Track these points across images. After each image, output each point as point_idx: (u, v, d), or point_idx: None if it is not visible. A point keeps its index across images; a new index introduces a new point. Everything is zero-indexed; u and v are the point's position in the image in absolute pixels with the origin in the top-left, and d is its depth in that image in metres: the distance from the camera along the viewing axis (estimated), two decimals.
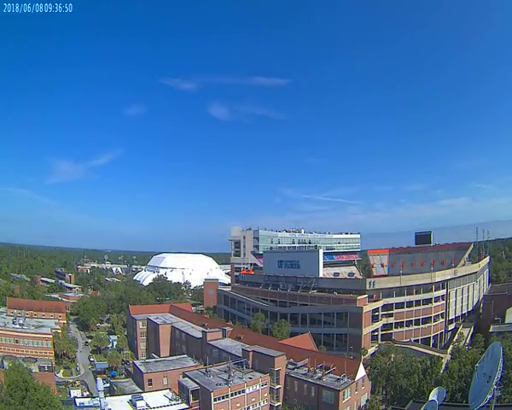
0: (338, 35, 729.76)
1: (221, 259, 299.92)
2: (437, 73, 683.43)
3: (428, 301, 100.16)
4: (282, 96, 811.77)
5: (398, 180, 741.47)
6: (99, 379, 60.34)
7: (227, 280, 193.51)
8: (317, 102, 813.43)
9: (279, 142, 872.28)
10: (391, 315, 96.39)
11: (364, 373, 61.60)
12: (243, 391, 57.37)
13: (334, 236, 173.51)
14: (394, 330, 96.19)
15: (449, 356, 79.47)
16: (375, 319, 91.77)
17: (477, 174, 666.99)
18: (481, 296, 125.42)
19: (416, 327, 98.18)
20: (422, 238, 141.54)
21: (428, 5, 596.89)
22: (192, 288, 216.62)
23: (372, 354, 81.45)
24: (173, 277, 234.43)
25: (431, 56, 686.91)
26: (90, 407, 56.18)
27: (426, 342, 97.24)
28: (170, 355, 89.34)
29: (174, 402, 57.34)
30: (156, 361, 78.47)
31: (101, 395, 53.75)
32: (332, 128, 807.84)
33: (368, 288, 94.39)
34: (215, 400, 53.94)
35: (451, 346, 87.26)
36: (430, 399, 44.33)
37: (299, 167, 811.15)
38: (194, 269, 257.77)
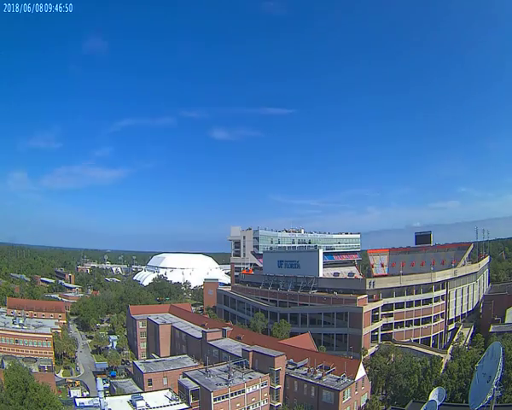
0: (331, 45, 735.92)
1: (221, 259, 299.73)
2: (422, 85, 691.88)
3: (428, 301, 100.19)
4: (278, 121, 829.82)
5: (387, 184, 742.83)
6: (99, 379, 60.31)
7: (227, 280, 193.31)
8: (307, 115, 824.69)
9: (271, 156, 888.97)
10: (391, 315, 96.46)
11: (364, 373, 61.60)
12: (243, 391, 57.36)
13: (334, 236, 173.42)
14: (394, 330, 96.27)
15: (449, 356, 79.53)
16: (375, 319, 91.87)
17: (462, 179, 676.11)
18: (481, 296, 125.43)
19: (416, 327, 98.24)
20: (422, 238, 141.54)
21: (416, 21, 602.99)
22: (192, 288, 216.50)
23: (372, 354, 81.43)
24: (173, 277, 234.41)
25: (419, 66, 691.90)
26: (90, 406, 56.03)
27: (426, 342, 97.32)
28: (170, 355, 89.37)
29: (174, 402, 57.34)
30: (156, 361, 78.46)
31: (101, 395, 53.77)
32: (321, 136, 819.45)
33: (368, 288, 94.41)
34: (215, 400, 53.93)
35: (451, 346, 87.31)
36: (430, 399, 44.24)
37: (290, 176, 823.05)
38: (194, 269, 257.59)
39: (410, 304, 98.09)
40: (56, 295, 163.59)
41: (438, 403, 42.05)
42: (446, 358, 78.02)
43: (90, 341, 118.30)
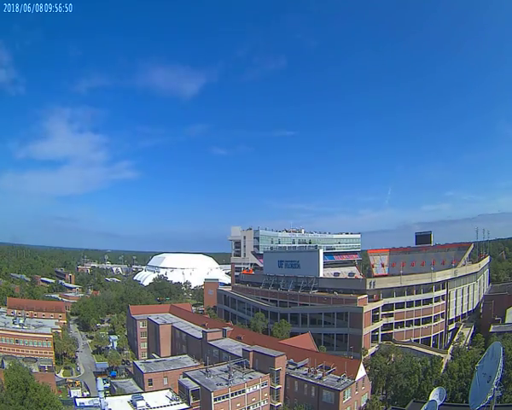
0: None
1: (221, 259, 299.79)
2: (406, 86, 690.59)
3: (429, 301, 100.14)
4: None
5: (382, 186, 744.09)
6: (99, 379, 60.34)
7: (227, 280, 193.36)
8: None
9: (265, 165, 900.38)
10: (391, 315, 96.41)
11: (365, 373, 61.58)
12: (243, 391, 57.33)
13: (335, 236, 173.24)
14: (394, 330, 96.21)
15: (449, 356, 79.50)
16: (375, 318, 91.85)
17: (456, 182, 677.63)
18: (481, 296, 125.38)
19: (417, 327, 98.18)
20: (422, 238, 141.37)
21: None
22: (192, 288, 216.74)
23: (372, 354, 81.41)
24: (173, 277, 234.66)
25: (414, 63, 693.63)
26: (91, 406, 56.01)
27: (426, 342, 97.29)
28: (170, 355, 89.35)
29: (174, 402, 57.27)
30: (156, 361, 78.44)
31: (102, 395, 53.76)
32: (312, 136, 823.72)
33: (368, 288, 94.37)
34: (215, 400, 53.92)
35: (452, 346, 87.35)
36: (430, 399, 44.17)
37: (287, 180, 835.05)
38: (194, 269, 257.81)
39: (410, 304, 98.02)
40: (56, 295, 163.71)
41: (438, 403, 41.99)
42: (447, 358, 78.01)
43: (90, 341, 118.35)
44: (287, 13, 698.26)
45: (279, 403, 60.68)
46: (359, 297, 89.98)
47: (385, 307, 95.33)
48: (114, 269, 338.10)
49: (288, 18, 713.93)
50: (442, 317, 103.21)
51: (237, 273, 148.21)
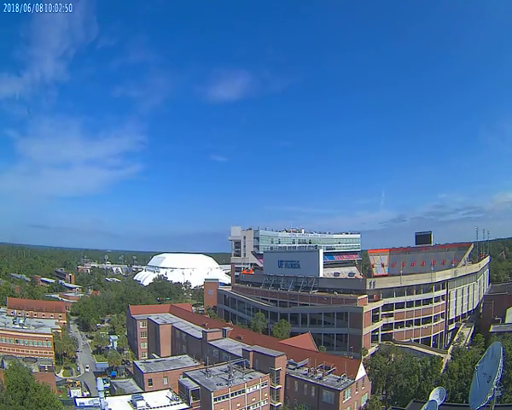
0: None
1: (221, 259, 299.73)
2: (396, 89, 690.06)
3: (429, 301, 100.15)
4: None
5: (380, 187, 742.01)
6: (99, 379, 60.32)
7: (227, 280, 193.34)
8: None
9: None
10: (391, 315, 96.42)
11: (365, 373, 61.60)
12: (243, 391, 57.34)
13: (335, 236, 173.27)
14: (394, 330, 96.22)
15: (449, 356, 79.54)
16: (375, 318, 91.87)
17: (444, 185, 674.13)
18: (481, 296, 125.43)
19: (417, 327, 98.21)
20: (422, 238, 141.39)
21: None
22: (192, 288, 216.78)
23: (372, 354, 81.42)
24: (173, 277, 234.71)
25: (410, 61, 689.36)
26: (91, 406, 56.05)
27: (426, 342, 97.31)
28: (170, 355, 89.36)
29: (174, 402, 57.30)
30: (156, 361, 78.47)
31: (102, 395, 53.75)
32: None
33: (368, 288, 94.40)
34: (215, 400, 53.93)
35: (452, 346, 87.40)
36: (430, 399, 44.13)
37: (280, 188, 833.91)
38: (194, 269, 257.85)
39: (410, 304, 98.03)
40: (57, 295, 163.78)
41: (438, 403, 41.96)
42: (447, 358, 78.03)
43: (90, 341, 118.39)
44: (282, 6, 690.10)
45: (279, 403, 60.69)
46: (359, 297, 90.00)
47: (385, 307, 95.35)
48: (114, 269, 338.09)
49: (284, 13, 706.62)
50: (442, 317, 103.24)
51: (237, 273, 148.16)
